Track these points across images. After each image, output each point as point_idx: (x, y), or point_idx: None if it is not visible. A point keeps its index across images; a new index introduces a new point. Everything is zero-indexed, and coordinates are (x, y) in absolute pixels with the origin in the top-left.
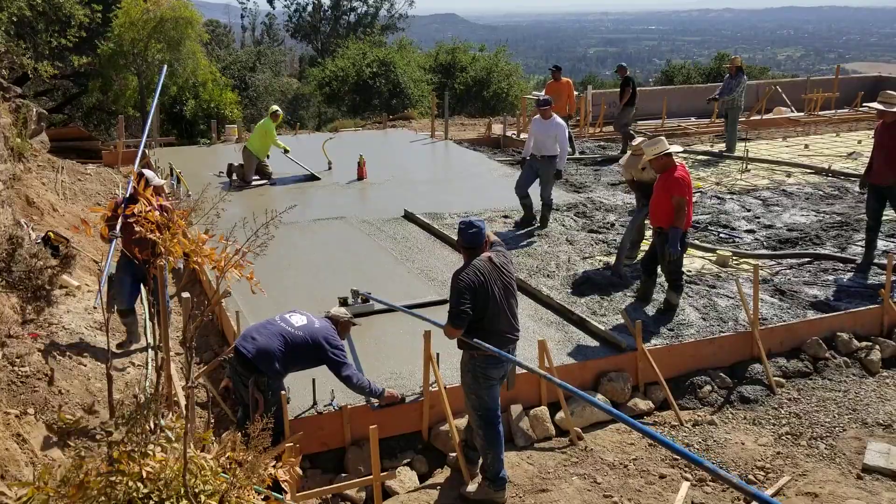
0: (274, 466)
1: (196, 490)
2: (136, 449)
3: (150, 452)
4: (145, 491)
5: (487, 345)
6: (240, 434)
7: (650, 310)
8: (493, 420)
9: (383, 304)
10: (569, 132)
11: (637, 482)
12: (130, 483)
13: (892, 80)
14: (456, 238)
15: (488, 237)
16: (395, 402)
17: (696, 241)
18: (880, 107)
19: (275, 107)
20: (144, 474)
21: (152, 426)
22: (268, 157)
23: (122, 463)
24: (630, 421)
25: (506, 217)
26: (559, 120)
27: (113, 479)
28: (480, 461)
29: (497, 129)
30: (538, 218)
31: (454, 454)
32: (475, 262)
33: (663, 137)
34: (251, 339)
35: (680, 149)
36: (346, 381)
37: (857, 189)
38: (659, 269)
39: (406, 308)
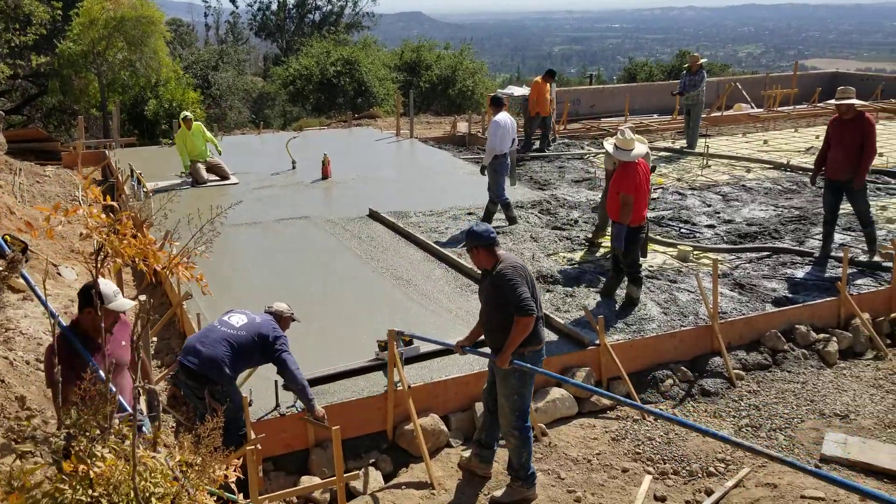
0: (225, 468)
1: (147, 493)
2: (83, 451)
3: (99, 454)
4: (94, 494)
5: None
6: (190, 435)
7: (613, 305)
8: (528, 418)
9: (434, 342)
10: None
11: (600, 476)
12: (78, 487)
13: (849, 76)
14: (466, 246)
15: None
16: (320, 422)
17: (659, 237)
18: (844, 102)
19: (185, 112)
20: (92, 475)
21: (102, 430)
22: (210, 156)
23: (70, 465)
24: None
25: (470, 214)
26: (496, 118)
27: (61, 485)
28: (508, 460)
29: (462, 127)
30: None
31: (467, 454)
32: (505, 255)
33: (631, 135)
34: (195, 352)
35: (642, 151)
36: (288, 375)
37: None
38: None
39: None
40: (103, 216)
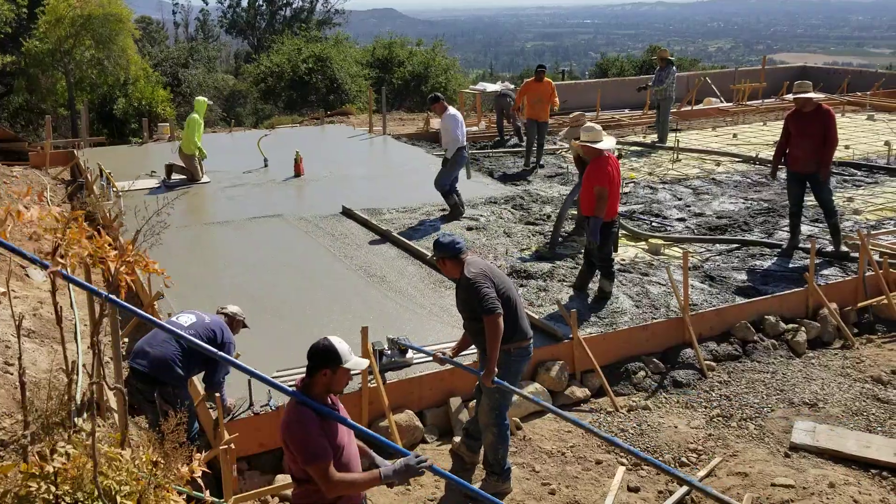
0: (189, 464)
1: (112, 491)
2: (46, 448)
3: (62, 450)
4: (58, 493)
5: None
6: (154, 433)
7: (585, 299)
8: (506, 416)
9: (424, 353)
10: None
11: (574, 469)
12: (42, 484)
13: (817, 70)
14: (432, 254)
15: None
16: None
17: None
18: (803, 96)
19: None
20: (53, 470)
21: (68, 428)
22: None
23: (36, 465)
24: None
25: (444, 210)
26: (451, 112)
27: (29, 483)
28: (483, 454)
29: (435, 123)
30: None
31: (458, 439)
32: (469, 260)
33: (600, 127)
34: (144, 354)
35: (612, 145)
36: (214, 380)
37: (782, 176)
38: None
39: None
40: (55, 215)
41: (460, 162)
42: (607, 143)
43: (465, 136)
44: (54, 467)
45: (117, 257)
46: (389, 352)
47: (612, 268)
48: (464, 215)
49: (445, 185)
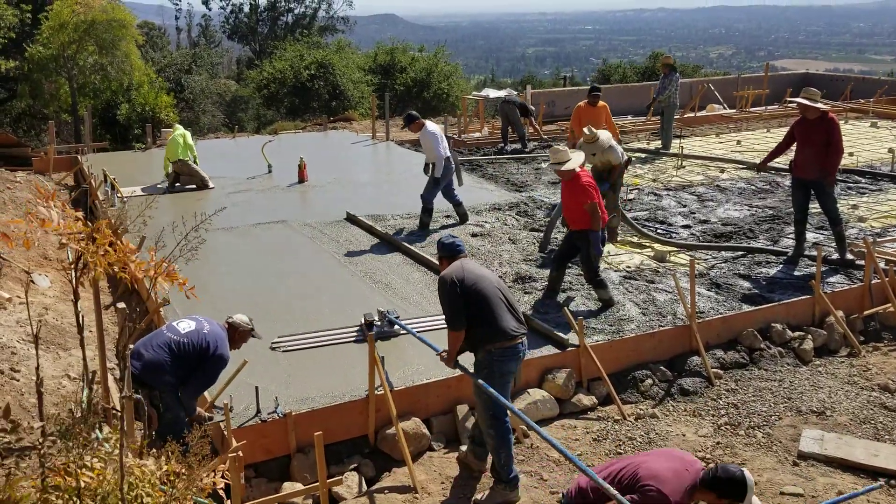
0: (211, 476)
1: (136, 503)
2: (72, 461)
3: (88, 465)
4: None
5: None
6: (177, 444)
7: (592, 306)
8: (504, 416)
9: (407, 330)
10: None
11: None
12: (67, 498)
13: (819, 77)
14: (436, 252)
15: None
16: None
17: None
18: (806, 102)
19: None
20: (83, 484)
21: (88, 439)
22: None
23: (58, 477)
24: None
25: (447, 217)
26: (429, 128)
27: (47, 495)
28: (490, 461)
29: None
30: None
31: (464, 448)
32: (454, 263)
33: (565, 148)
34: (138, 356)
35: (580, 161)
36: (189, 392)
37: (787, 183)
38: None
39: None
40: (80, 224)
41: (446, 174)
42: (576, 160)
43: (446, 148)
44: (86, 482)
45: (141, 267)
46: (379, 322)
47: (598, 276)
48: (464, 223)
49: (430, 200)
